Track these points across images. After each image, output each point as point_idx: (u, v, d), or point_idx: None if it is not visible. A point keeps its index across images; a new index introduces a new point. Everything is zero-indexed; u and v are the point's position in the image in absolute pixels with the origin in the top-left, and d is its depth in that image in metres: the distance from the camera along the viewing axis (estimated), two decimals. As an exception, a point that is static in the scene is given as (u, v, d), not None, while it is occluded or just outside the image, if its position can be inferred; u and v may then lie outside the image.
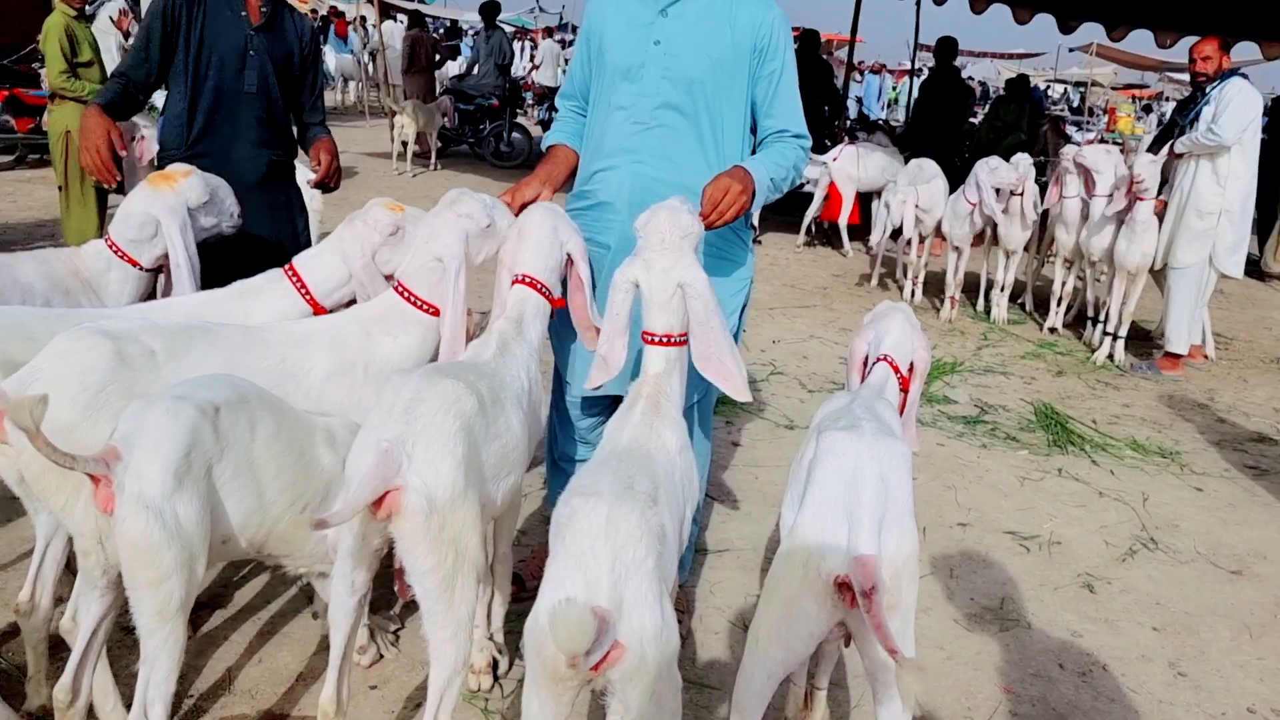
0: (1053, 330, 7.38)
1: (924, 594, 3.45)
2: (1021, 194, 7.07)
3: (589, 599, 1.63)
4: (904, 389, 2.41)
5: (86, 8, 6.77)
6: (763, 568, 3.57)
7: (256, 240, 3.45)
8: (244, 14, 3.41)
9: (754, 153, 2.81)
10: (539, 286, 2.53)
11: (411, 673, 2.81)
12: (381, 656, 2.85)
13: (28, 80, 10.78)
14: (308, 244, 3.64)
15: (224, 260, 3.19)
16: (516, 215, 2.70)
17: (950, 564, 3.71)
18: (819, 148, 10.83)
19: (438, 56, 15.79)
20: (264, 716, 2.59)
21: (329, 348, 2.50)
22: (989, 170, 7.01)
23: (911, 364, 2.44)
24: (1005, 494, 4.42)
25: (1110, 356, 6.71)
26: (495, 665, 2.79)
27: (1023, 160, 7.10)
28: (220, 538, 2.05)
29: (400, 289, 2.61)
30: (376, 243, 2.81)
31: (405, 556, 1.99)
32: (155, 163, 5.95)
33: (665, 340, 2.23)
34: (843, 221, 9.75)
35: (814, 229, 10.21)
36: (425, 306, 2.59)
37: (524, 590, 3.14)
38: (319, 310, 2.75)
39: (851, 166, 9.56)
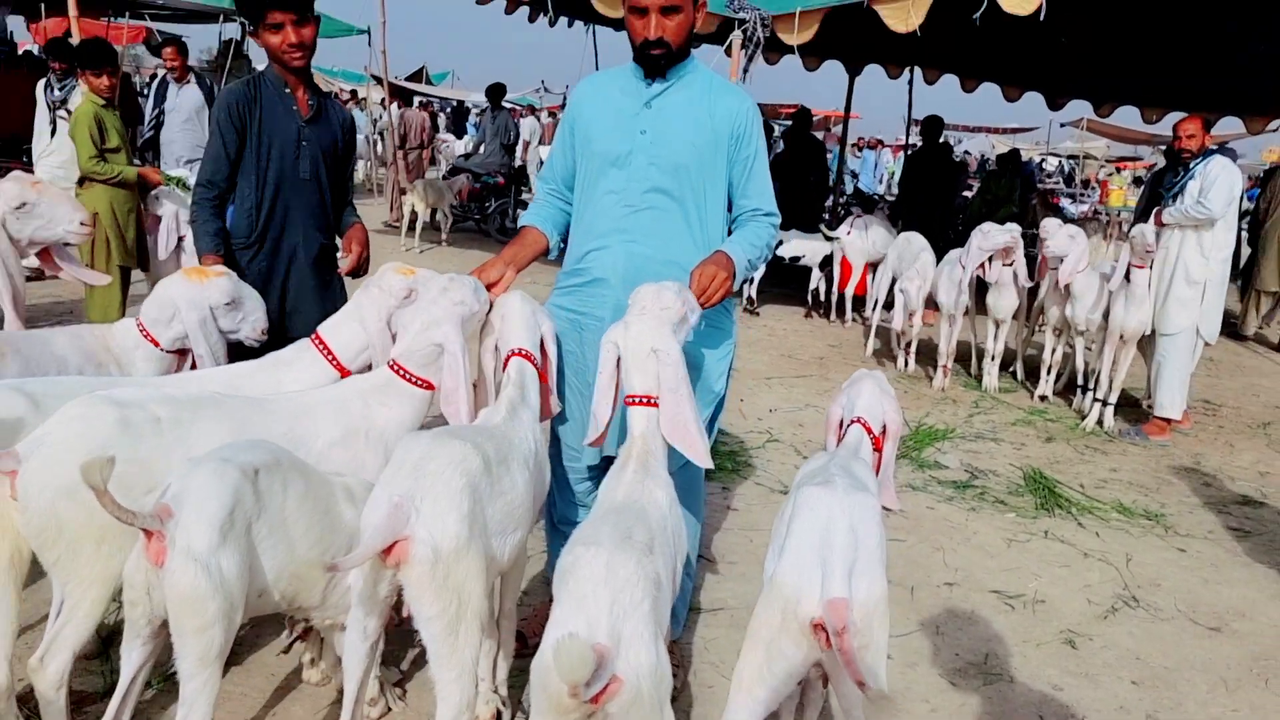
0: (1043, 398, 7.56)
1: (910, 650, 3.60)
2: (1012, 263, 7.32)
3: (590, 636, 1.81)
4: (877, 449, 2.60)
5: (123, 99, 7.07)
6: (756, 626, 3.70)
7: (310, 320, 3.50)
8: (295, 108, 3.63)
9: (730, 229, 3.07)
10: (532, 358, 2.76)
11: (419, 725, 2.95)
12: (390, 709, 2.99)
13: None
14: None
15: (280, 341, 3.36)
16: None
17: (937, 622, 3.85)
18: (811, 224, 11.17)
19: (436, 134, 16.32)
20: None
21: (332, 417, 2.73)
22: (982, 235, 7.27)
23: (884, 426, 2.63)
24: (992, 555, 4.56)
25: (1100, 422, 6.89)
26: (499, 717, 2.93)
27: (1013, 229, 7.36)
28: (257, 590, 2.24)
29: (396, 368, 2.83)
30: (392, 306, 3.04)
31: (412, 603, 2.17)
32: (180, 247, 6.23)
33: (644, 400, 2.45)
34: (848, 292, 10.01)
35: (811, 300, 10.47)
36: (420, 382, 2.83)
37: (526, 647, 3.27)
38: (345, 374, 2.96)
39: (861, 240, 9.87)
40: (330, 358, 2.97)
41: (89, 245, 6.48)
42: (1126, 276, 6.50)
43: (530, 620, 3.43)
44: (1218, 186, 6.41)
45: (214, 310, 3.21)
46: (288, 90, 3.63)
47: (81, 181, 6.60)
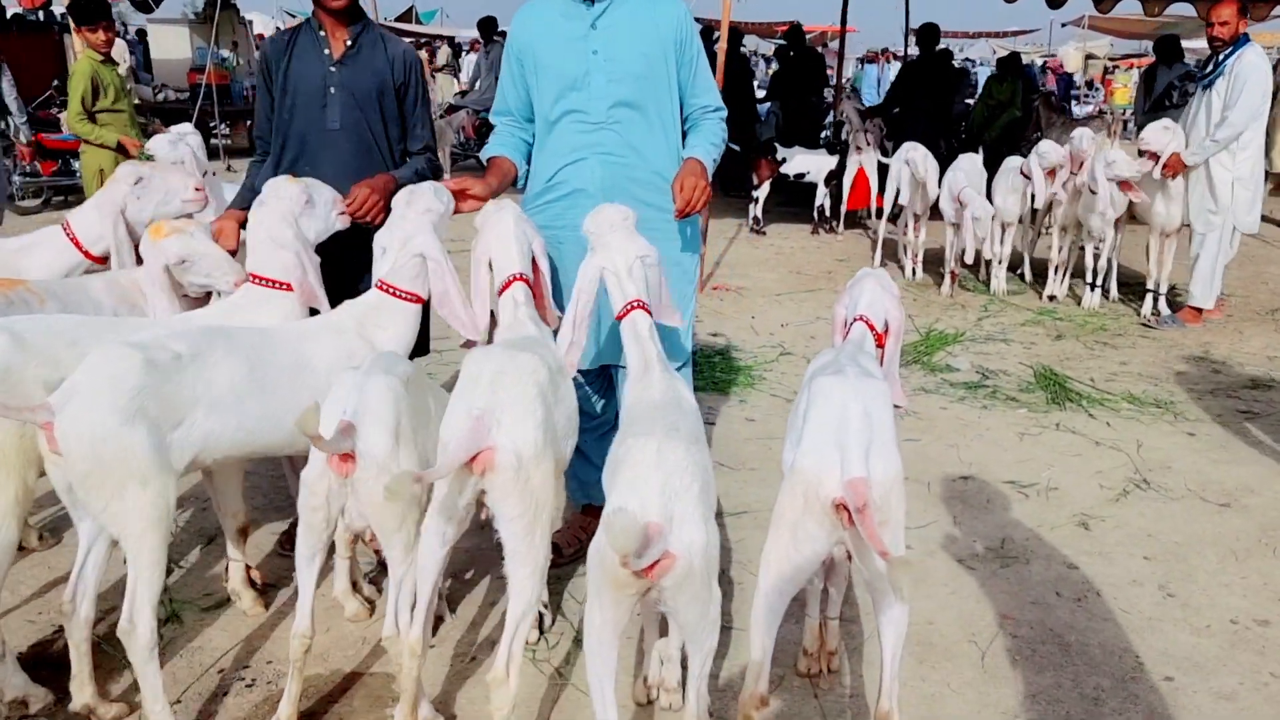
0: (1051, 298, 7.62)
1: (928, 539, 3.74)
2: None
3: (643, 515, 1.95)
4: (880, 345, 2.70)
5: (114, 53, 7.06)
6: (779, 526, 3.85)
7: (355, 284, 3.38)
8: (327, 51, 3.39)
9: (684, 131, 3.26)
10: (527, 281, 2.85)
11: (462, 633, 3.11)
12: (440, 619, 3.15)
13: (49, 125, 11.17)
14: None
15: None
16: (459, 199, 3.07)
17: (954, 513, 3.98)
18: (814, 140, 11.11)
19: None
20: (335, 676, 2.89)
21: (332, 341, 2.83)
22: (1040, 155, 7.30)
23: (886, 323, 2.72)
24: (1005, 448, 4.69)
25: (1155, 311, 7.13)
26: (540, 620, 3.08)
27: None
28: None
29: (385, 286, 2.91)
30: (295, 212, 3.02)
31: (495, 506, 2.32)
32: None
33: (642, 305, 2.61)
34: (874, 205, 9.97)
35: (817, 217, 10.48)
36: (409, 296, 2.92)
37: (561, 556, 3.43)
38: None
39: (875, 153, 9.86)
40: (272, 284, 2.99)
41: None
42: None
43: (563, 532, 3.57)
44: (1247, 90, 6.31)
45: (169, 268, 3.13)
46: (323, 34, 3.40)
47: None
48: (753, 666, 2.26)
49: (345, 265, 3.38)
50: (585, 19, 3.09)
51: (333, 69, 3.39)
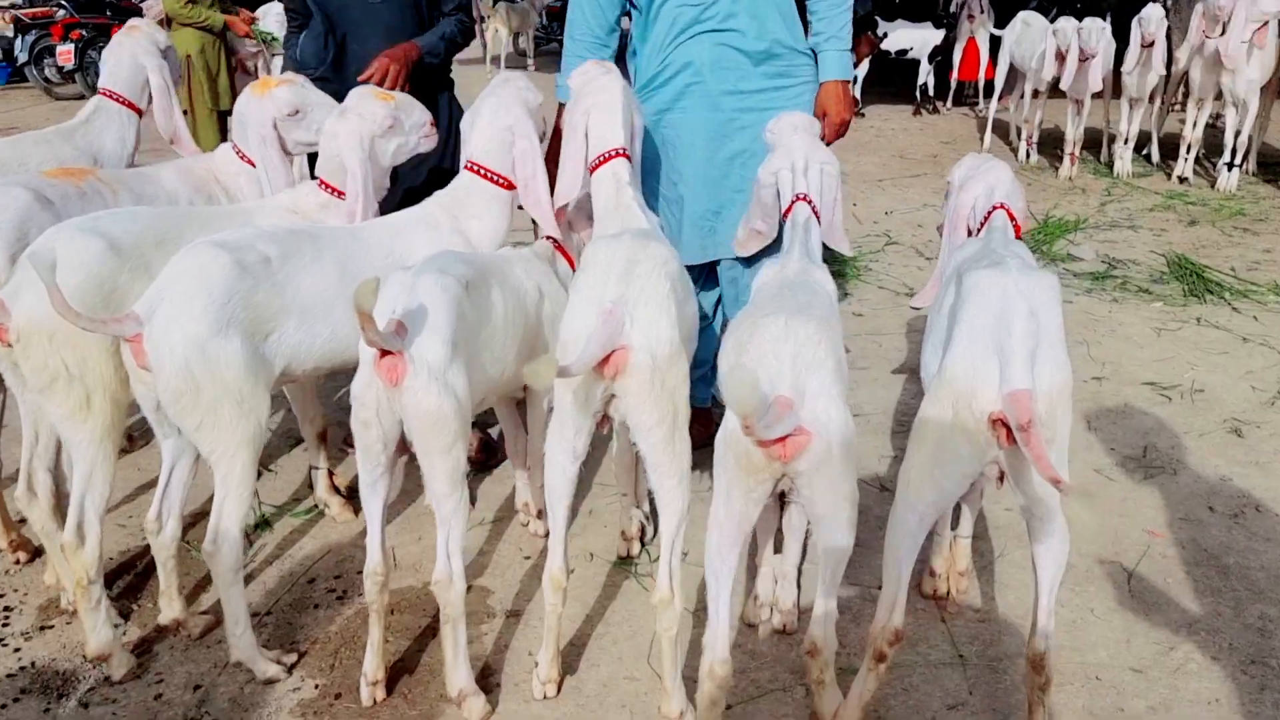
0: (1182, 179, 7.02)
1: (1063, 447, 3.42)
2: (1152, 45, 6.68)
3: (772, 389, 1.75)
4: (1018, 238, 2.37)
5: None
6: (893, 430, 3.58)
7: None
8: None
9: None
10: (630, 157, 2.56)
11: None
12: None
13: (133, 14, 11.06)
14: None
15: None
16: None
17: (1088, 417, 3.65)
18: (919, 12, 10.36)
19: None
20: (428, 587, 2.75)
21: (425, 235, 2.60)
22: (1139, 21, 6.66)
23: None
24: (1141, 345, 4.29)
25: None
26: (643, 533, 2.89)
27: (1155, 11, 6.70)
28: (478, 399, 2.22)
29: (474, 167, 2.66)
30: (374, 133, 2.76)
31: (630, 414, 2.07)
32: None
33: (806, 198, 2.46)
34: (982, 77, 9.33)
35: (919, 96, 9.85)
36: (501, 181, 2.67)
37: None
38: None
39: (989, 21, 9.16)
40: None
41: (184, 87, 6.41)
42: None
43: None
44: None
45: (278, 123, 2.96)
46: None
47: (169, 23, 6.45)
48: (885, 597, 2.01)
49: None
50: None
51: None
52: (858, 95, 9.78)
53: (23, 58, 11.43)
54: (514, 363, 2.39)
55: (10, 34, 11.67)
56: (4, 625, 2.57)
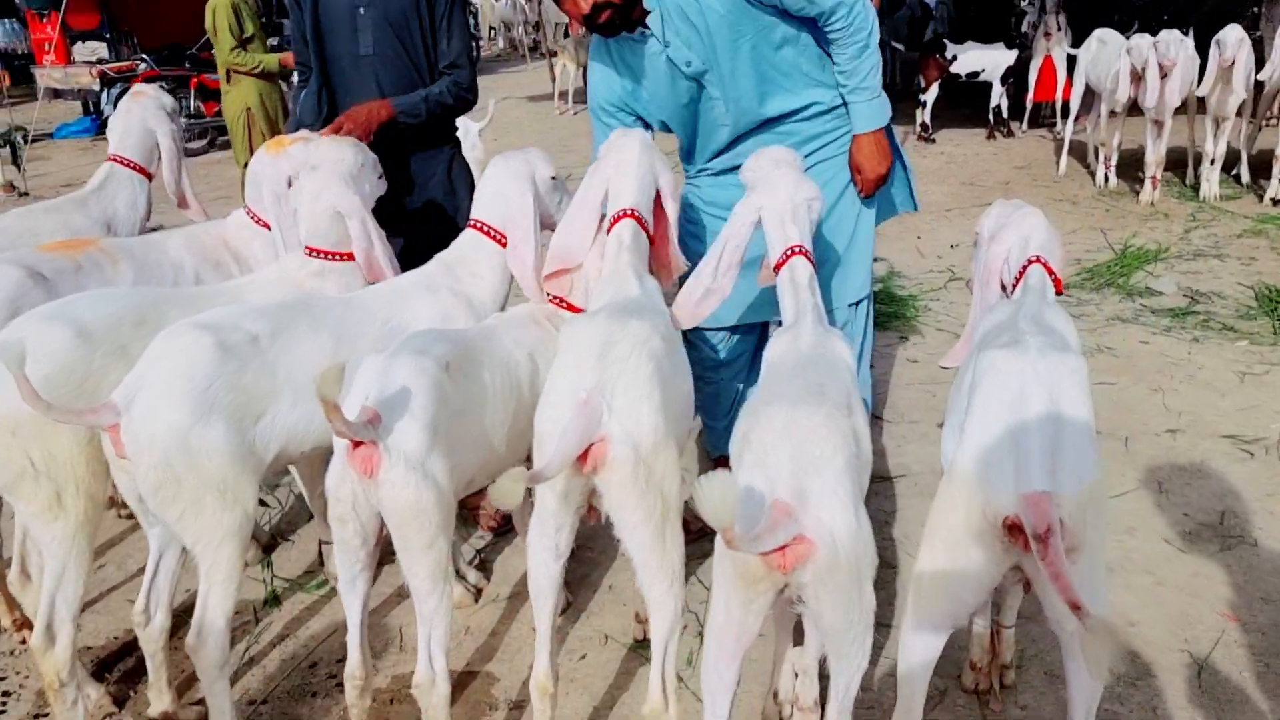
0: (1275, 201, 6.57)
1: (1128, 512, 3.13)
2: (1231, 65, 6.30)
3: (768, 492, 1.58)
4: (1059, 293, 2.14)
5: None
6: (944, 493, 3.33)
7: (397, 214, 3.13)
8: None
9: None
10: (642, 220, 2.40)
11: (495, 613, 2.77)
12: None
13: (211, 66, 11.35)
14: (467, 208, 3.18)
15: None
16: None
17: (1159, 476, 3.34)
18: (991, 33, 10.01)
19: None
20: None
21: (424, 299, 2.49)
22: (1217, 44, 6.28)
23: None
24: (1223, 393, 3.95)
25: None
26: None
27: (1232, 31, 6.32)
28: (466, 481, 2.10)
29: (478, 225, 2.59)
30: (356, 176, 2.68)
31: (613, 510, 1.93)
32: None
33: (802, 250, 2.25)
34: (1060, 97, 8.94)
35: (993, 119, 9.50)
36: (502, 239, 2.58)
37: (688, 532, 3.03)
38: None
39: (1065, 41, 8.80)
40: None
41: (243, 138, 6.49)
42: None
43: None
44: None
45: (290, 181, 2.85)
46: None
47: (228, 76, 6.55)
48: (901, 713, 1.80)
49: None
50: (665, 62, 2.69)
51: None
52: (927, 120, 9.48)
53: (108, 110, 11.81)
54: (507, 440, 2.24)
55: (97, 88, 12.10)
56: (1, 710, 2.51)
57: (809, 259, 2.26)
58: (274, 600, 2.93)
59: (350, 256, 2.59)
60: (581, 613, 2.82)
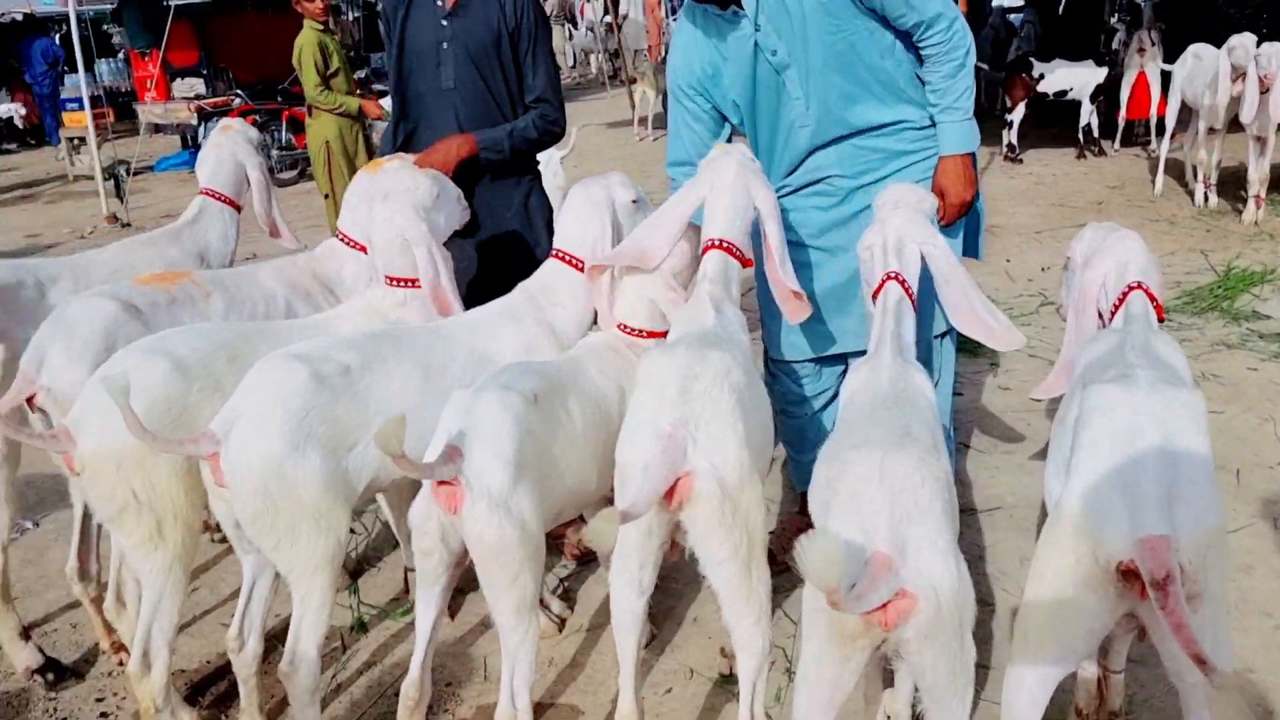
0: (1392, 220, 6.26)
1: (1244, 549, 2.97)
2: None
3: (867, 546, 1.52)
4: (1161, 319, 2.05)
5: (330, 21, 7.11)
6: (1038, 525, 3.20)
7: (470, 238, 3.19)
8: (439, 2, 3.14)
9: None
10: (734, 251, 2.37)
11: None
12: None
13: (301, 100, 11.69)
14: (545, 239, 3.24)
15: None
16: None
17: (1274, 511, 3.17)
18: (1080, 50, 9.77)
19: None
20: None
21: (509, 328, 2.50)
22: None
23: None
24: (1341, 423, 3.74)
25: None
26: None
27: None
28: (554, 513, 2.09)
29: (560, 254, 2.61)
30: (427, 206, 2.69)
31: (699, 546, 1.90)
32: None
33: (899, 277, 2.18)
34: (1155, 114, 8.65)
35: (1083, 138, 9.25)
36: (579, 265, 2.58)
37: (774, 565, 2.97)
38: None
39: (1159, 57, 8.53)
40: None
41: (325, 172, 6.65)
42: None
43: (779, 535, 3.11)
44: None
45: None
46: None
47: (309, 110, 6.72)
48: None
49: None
50: (741, 26, 2.61)
51: (444, 23, 3.12)
52: (1014, 140, 9.27)
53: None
54: (597, 470, 2.22)
55: (195, 122, 12.54)
56: (99, 733, 2.56)
57: (906, 288, 2.19)
58: (361, 627, 2.94)
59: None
60: (666, 645, 2.77)
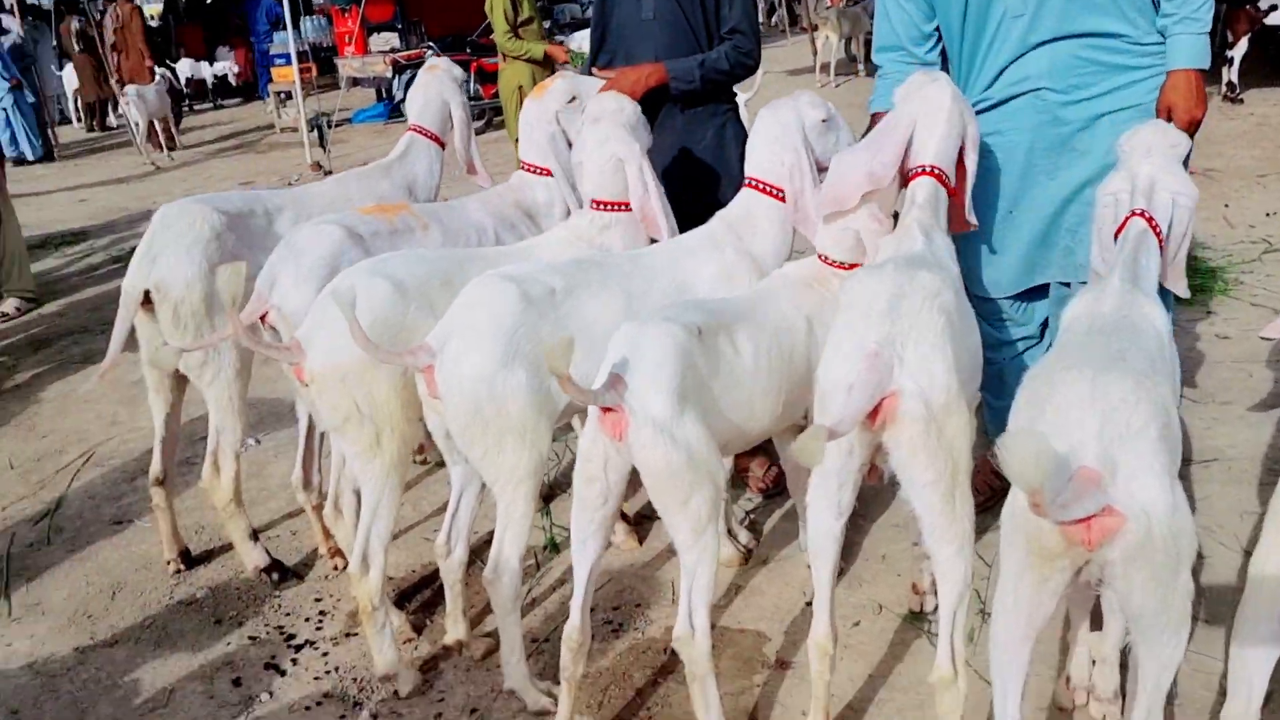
0: None
1: None
2: None
3: (1074, 460, 1.47)
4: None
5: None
6: (1261, 480, 2.99)
7: (682, 182, 3.18)
8: None
9: None
10: (944, 179, 2.30)
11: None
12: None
13: (489, 51, 12.00)
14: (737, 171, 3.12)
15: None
16: None
17: None
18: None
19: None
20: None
21: (710, 256, 2.50)
22: None
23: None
24: None
25: None
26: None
27: None
28: (724, 443, 2.10)
29: (754, 183, 2.56)
30: (634, 126, 2.69)
31: (901, 469, 1.87)
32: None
33: (1144, 214, 2.09)
34: None
35: (1317, 74, 8.45)
36: (780, 194, 2.54)
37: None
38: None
39: None
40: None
41: (515, 114, 6.82)
42: None
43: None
44: None
45: (560, 117, 2.99)
46: None
47: (503, 57, 6.91)
48: (1234, 709, 1.62)
49: None
50: None
51: None
52: (1234, 79, 8.55)
53: (399, 95, 12.79)
54: (775, 405, 2.21)
55: (389, 75, 13.10)
56: (317, 629, 2.77)
57: (1154, 226, 2.07)
58: (553, 547, 3.06)
59: (630, 206, 2.63)
60: (855, 581, 2.76)
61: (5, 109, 11.83)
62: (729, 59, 3.13)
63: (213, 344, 2.65)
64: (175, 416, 2.98)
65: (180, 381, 2.91)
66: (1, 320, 5.78)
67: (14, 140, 11.92)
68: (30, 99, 12.26)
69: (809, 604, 2.67)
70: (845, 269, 2.38)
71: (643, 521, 3.12)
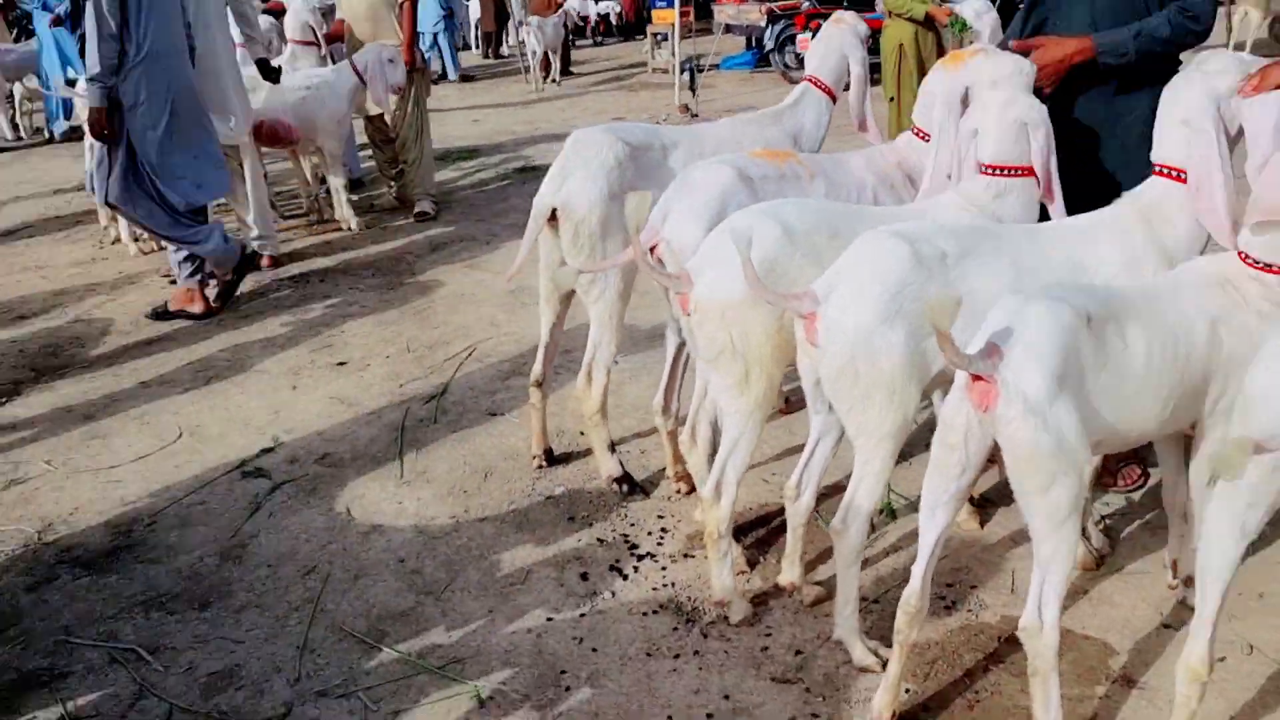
0: None
1: None
2: None
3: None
4: None
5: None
6: None
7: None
8: None
9: None
10: None
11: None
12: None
13: (867, 5, 11.75)
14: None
15: None
16: None
17: None
18: None
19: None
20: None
21: (1116, 240, 2.35)
22: None
23: None
24: None
25: None
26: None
27: None
28: (1094, 442, 1.99)
29: (1164, 169, 2.38)
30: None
31: None
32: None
33: None
34: None
35: None
36: (1183, 177, 2.34)
37: None
38: None
39: None
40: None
41: (893, 73, 6.70)
42: None
43: None
44: None
45: (967, 94, 2.80)
46: None
47: (888, 14, 6.77)
48: None
49: None
50: None
51: None
52: None
53: (769, 45, 12.89)
54: (1159, 410, 2.04)
55: (763, 24, 13.20)
56: (658, 544, 2.95)
57: None
58: (890, 513, 3.04)
59: (1029, 171, 2.52)
60: (1225, 614, 2.51)
61: (437, 33, 13.41)
62: (1171, 23, 2.78)
63: (612, 266, 2.85)
64: (559, 326, 3.26)
65: (568, 295, 3.18)
66: (420, 219, 6.52)
67: (440, 61, 13.58)
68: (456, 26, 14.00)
69: (1166, 625, 2.49)
70: (1273, 273, 2.15)
71: (986, 505, 3.03)
